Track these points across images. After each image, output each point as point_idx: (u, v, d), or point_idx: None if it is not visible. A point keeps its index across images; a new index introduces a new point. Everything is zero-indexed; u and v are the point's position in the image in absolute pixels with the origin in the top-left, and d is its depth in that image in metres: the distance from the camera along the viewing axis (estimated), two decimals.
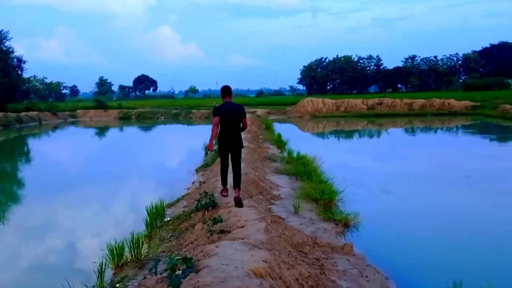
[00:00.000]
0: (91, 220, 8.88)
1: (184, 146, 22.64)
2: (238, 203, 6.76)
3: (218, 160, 11.72)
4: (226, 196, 7.55)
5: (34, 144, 26.88)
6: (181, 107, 50.05)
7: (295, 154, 13.54)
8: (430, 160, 15.49)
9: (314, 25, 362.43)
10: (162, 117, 45.65)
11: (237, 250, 4.16)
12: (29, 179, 14.37)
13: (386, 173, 12.92)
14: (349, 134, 28.87)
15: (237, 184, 7.18)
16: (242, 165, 8.83)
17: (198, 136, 26.46)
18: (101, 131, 35.60)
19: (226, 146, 7.42)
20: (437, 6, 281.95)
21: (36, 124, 40.02)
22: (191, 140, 24.37)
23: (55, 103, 54.67)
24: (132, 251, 5.43)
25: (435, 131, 29.35)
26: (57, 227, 8.63)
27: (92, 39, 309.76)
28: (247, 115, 7.87)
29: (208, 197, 6.76)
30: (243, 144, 7.79)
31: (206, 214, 6.58)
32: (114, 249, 5.37)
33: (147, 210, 7.13)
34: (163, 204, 7.88)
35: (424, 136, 26.82)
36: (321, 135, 29.12)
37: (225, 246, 4.34)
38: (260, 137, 19.57)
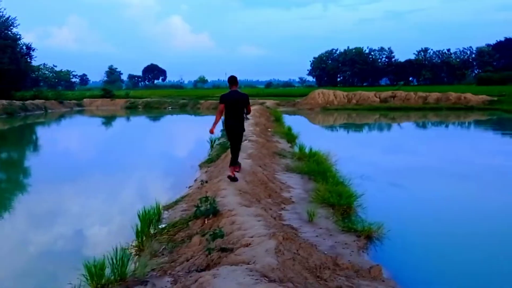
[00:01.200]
0: (78, 223, 7.96)
1: (189, 138, 21.69)
2: (232, 179, 7.67)
3: (223, 155, 10.82)
4: (234, 177, 7.82)
5: (37, 133, 26.14)
6: (189, 98, 49.16)
7: (307, 150, 12.55)
8: (452, 156, 14.43)
9: (325, 17, 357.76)
10: (169, 107, 44.81)
11: (240, 285, 3.20)
12: (24, 169, 13.55)
13: (408, 171, 11.88)
14: (361, 128, 27.77)
15: (233, 161, 8.10)
16: (249, 161, 9.55)
17: (205, 128, 25.52)
18: (105, 120, 34.82)
19: (231, 130, 8.27)
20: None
21: (41, 113, 39.37)
22: (197, 132, 23.42)
23: (63, 92, 53.93)
24: (116, 270, 4.49)
25: (447, 126, 28.13)
26: (32, 235, 7.74)
27: (103, 28, 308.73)
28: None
29: (208, 202, 5.79)
30: (253, 137, 9.93)
31: (206, 222, 5.63)
32: (93, 267, 4.44)
33: (139, 216, 6.19)
34: (159, 207, 6.94)
35: (440, 131, 25.60)
36: (332, 128, 28.05)
37: (225, 277, 3.39)
38: (269, 130, 18.56)
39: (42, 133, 26.37)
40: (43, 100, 42.85)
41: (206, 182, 8.15)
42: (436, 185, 10.34)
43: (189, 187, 9.20)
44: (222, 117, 8.55)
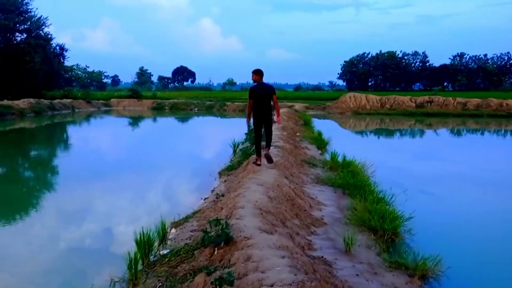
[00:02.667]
0: (78, 238, 6.90)
1: (212, 141, 20.62)
2: (268, 159, 8.84)
3: (245, 163, 9.61)
4: (259, 165, 8.83)
5: (64, 133, 25.66)
6: (215, 99, 48.33)
7: (339, 158, 11.22)
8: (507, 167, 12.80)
9: (357, 21, 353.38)
10: (196, 109, 44.05)
11: None
12: (47, 167, 12.75)
13: (460, 186, 10.38)
14: (396, 133, 26.10)
15: (267, 144, 9.09)
16: (274, 171, 8.29)
17: (230, 130, 24.45)
18: (130, 121, 34.21)
19: (260, 120, 8.87)
20: (485, 4, 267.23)
21: (69, 112, 39.21)
22: (221, 134, 22.36)
23: (91, 92, 54.07)
24: None
25: (493, 133, 26.07)
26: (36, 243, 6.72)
27: (135, 30, 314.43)
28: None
29: (220, 227, 4.58)
30: (279, 143, 10.43)
31: (215, 253, 4.41)
32: None
33: (136, 241, 5.02)
34: (165, 226, 5.79)
35: (483, 138, 23.63)
36: (364, 133, 26.46)
37: None
38: (298, 134, 17.26)
39: (68, 132, 25.87)
40: (71, 100, 42.80)
41: (223, 196, 6.96)
42: (500, 204, 8.85)
43: (204, 199, 8.02)
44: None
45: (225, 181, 9.16)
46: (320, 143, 15.13)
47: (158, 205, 8.54)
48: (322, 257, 4.80)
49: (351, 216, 6.47)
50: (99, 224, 7.45)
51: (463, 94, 49.13)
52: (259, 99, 8.70)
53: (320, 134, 16.87)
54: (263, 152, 9.09)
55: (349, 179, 8.50)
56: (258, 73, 8.77)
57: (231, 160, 12.34)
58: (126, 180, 11.23)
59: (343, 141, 18.85)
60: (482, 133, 26.60)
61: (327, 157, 13.00)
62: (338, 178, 9.00)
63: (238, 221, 5.02)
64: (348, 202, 7.45)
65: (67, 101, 41.88)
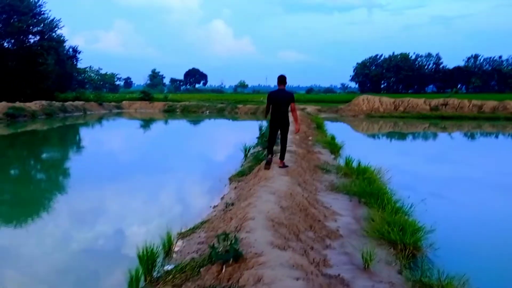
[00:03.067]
0: (79, 248, 6.61)
1: (223, 144, 20.29)
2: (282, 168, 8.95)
3: (256, 169, 9.28)
4: (270, 161, 9.16)
5: (75, 135, 25.60)
6: (227, 102, 48.13)
7: (354, 163, 10.80)
8: None
9: (369, 22, 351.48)
10: (207, 111, 43.85)
11: None
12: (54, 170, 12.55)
13: (484, 195, 9.91)
14: (408, 137, 25.56)
15: (281, 157, 9.27)
16: (286, 179, 7.91)
17: (241, 134, 24.15)
18: (141, 123, 34.10)
19: (275, 124, 9.04)
20: (499, 4, 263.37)
21: (80, 114, 39.28)
22: (232, 138, 22.03)
23: (103, 94, 54.21)
24: None
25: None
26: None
27: (148, 33, 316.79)
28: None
29: (229, 242, 4.23)
30: (292, 147, 10.57)
31: (223, 271, 4.07)
32: None
33: (138, 256, 4.69)
34: (170, 238, 5.47)
35: (500, 142, 22.95)
36: (378, 136, 25.96)
37: None
38: (310, 138, 16.86)
39: (79, 135, 25.80)
40: (82, 102, 42.90)
41: (232, 205, 6.62)
42: None
43: (214, 207, 7.69)
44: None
45: (235, 188, 8.82)
46: (333, 147, 14.72)
47: (166, 212, 8.23)
48: (339, 275, 4.42)
49: (368, 227, 6.08)
50: (103, 232, 7.16)
51: (477, 96, 48.27)
52: (275, 105, 8.87)
53: (333, 138, 16.45)
54: (275, 158, 9.34)
55: (365, 187, 8.10)
56: (279, 80, 8.94)
57: (242, 165, 12.01)
58: (134, 184, 10.96)
59: (356, 145, 18.39)
60: (497, 136, 25.90)
61: (341, 162, 12.61)
62: (354, 185, 8.60)
63: (248, 234, 4.67)
64: (365, 211, 7.06)
65: (79, 103, 41.99)
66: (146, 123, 34.20)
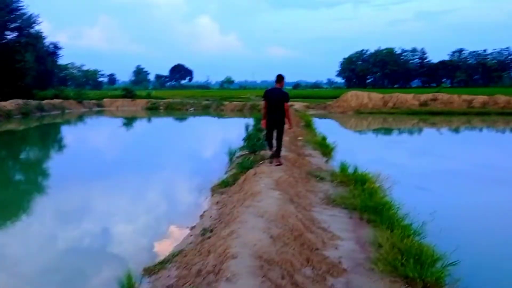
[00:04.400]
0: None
1: (207, 146, 19.11)
2: (278, 164, 9.09)
3: (242, 179, 8.18)
4: (273, 155, 9.49)
5: (51, 136, 24.16)
6: (213, 98, 46.87)
7: (349, 167, 9.76)
8: None
9: (355, 17, 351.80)
10: (192, 109, 42.55)
11: None
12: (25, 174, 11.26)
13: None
14: (398, 133, 24.74)
15: (276, 155, 9.41)
16: (276, 194, 6.69)
17: (227, 133, 23.02)
18: (124, 122, 32.73)
19: (271, 123, 9.20)
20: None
21: (58, 113, 37.66)
22: (218, 138, 20.90)
23: (84, 91, 52.50)
24: None
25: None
26: None
27: (132, 28, 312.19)
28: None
29: None
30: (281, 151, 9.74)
31: None
32: None
33: None
34: (131, 280, 4.33)
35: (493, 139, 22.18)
36: (368, 133, 25.12)
37: None
38: (300, 138, 15.79)
39: (54, 136, 24.36)
40: (61, 100, 41.17)
41: (211, 231, 5.50)
42: None
43: (191, 228, 6.56)
44: None
45: (217, 202, 7.67)
46: (325, 149, 13.67)
47: (135, 234, 7.07)
48: None
49: (376, 257, 5.01)
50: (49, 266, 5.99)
51: (465, 90, 47.93)
52: (271, 102, 9.06)
53: (324, 138, 15.40)
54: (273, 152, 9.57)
55: (366, 200, 7.04)
56: (276, 79, 9.18)
57: (226, 171, 10.88)
58: (100, 196, 9.76)
59: (348, 143, 17.44)
60: (488, 131, 25.20)
61: (334, 165, 11.60)
62: (352, 197, 7.54)
63: (228, 285, 3.55)
64: (369, 232, 6.00)
65: (57, 101, 40.29)
66: (128, 122, 32.82)
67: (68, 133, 25.85)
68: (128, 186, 10.78)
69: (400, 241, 5.31)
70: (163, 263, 4.99)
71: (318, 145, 14.26)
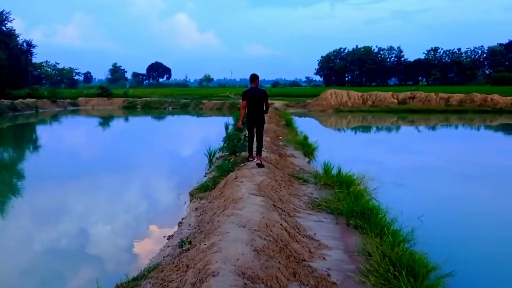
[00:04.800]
0: None
1: (186, 146, 18.63)
2: (260, 165, 9.05)
3: (222, 183, 7.80)
4: (252, 160, 9.55)
5: (22, 137, 23.23)
6: (191, 97, 46.23)
7: (333, 169, 9.46)
8: None
9: (332, 16, 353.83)
10: (170, 108, 41.85)
11: None
12: None
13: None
14: (379, 131, 24.74)
15: (258, 152, 9.37)
16: (259, 200, 6.35)
17: (206, 132, 22.54)
18: (99, 121, 31.85)
19: (252, 122, 9.21)
20: None
21: (32, 113, 36.48)
22: (197, 138, 20.41)
23: (58, 90, 51.02)
24: None
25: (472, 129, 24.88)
26: None
27: (109, 26, 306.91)
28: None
29: None
30: (263, 152, 9.83)
31: None
32: None
33: None
34: None
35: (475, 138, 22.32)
36: (347, 131, 25.04)
37: None
38: (281, 138, 15.48)
39: (28, 136, 23.45)
40: (34, 99, 39.91)
41: (190, 243, 5.10)
42: None
43: (168, 237, 6.14)
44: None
45: (196, 208, 7.26)
46: (307, 148, 13.41)
47: (107, 245, 6.62)
48: None
49: (367, 268, 4.70)
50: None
51: (439, 88, 48.56)
52: (251, 102, 9.10)
53: (306, 138, 15.12)
54: (254, 153, 9.61)
55: (352, 204, 6.74)
56: (251, 78, 9.28)
57: (206, 173, 10.47)
58: (72, 201, 9.23)
59: (329, 142, 17.26)
60: (478, 130, 25.43)
61: (316, 165, 11.35)
62: (338, 201, 7.24)
63: None
64: (357, 239, 5.70)
65: (30, 100, 39.06)
66: (103, 121, 31.99)
67: (43, 133, 24.98)
68: (102, 188, 10.28)
69: (390, 250, 5.03)
70: (137, 280, 4.57)
71: (300, 145, 13.99)
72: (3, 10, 47.25)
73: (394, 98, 37.02)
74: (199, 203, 7.57)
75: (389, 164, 13.24)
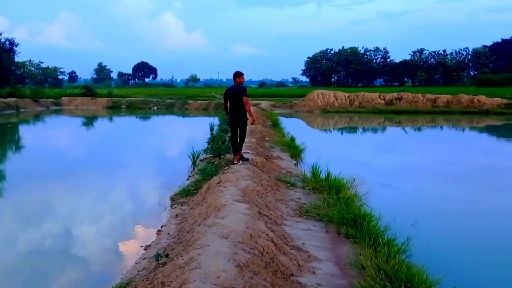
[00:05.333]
0: None
1: (169, 146, 18.09)
2: (242, 159, 9.40)
3: (205, 187, 7.35)
4: (237, 163, 9.21)
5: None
6: (177, 97, 45.56)
7: (322, 173, 9.08)
8: None
9: (319, 16, 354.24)
10: (155, 108, 41.15)
11: None
12: None
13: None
14: (365, 132, 24.51)
15: (239, 150, 9.41)
16: (243, 208, 5.99)
17: (191, 133, 22.03)
18: (83, 121, 31.08)
19: (234, 122, 9.18)
20: (441, 0, 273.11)
21: (12, 112, 35.48)
22: (181, 138, 19.89)
23: (40, 89, 49.90)
24: None
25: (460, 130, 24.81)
26: None
27: (94, 25, 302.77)
28: (251, 108, 9.65)
29: None
30: (248, 154, 10.16)
31: None
32: None
33: None
34: None
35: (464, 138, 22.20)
36: (333, 132, 24.77)
37: None
38: (267, 139, 15.07)
39: (10, 136, 22.65)
40: (16, 99, 38.85)
41: (167, 256, 4.64)
42: None
43: (145, 248, 5.67)
44: None
45: (177, 215, 6.78)
46: (294, 150, 13.01)
47: (78, 250, 6.12)
48: None
49: (361, 284, 4.30)
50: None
51: (425, 89, 48.72)
52: (231, 101, 9.04)
53: (293, 139, 14.73)
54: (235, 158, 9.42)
55: (342, 211, 6.35)
56: (233, 76, 9.17)
57: (189, 176, 10.00)
58: (51, 204, 8.69)
59: (316, 143, 16.93)
60: (463, 131, 25.35)
61: (303, 168, 10.96)
62: (327, 207, 6.85)
63: None
64: (348, 249, 5.31)
65: (11, 100, 37.97)
66: (86, 121, 31.22)
67: (24, 133, 24.19)
68: (79, 192, 9.74)
69: (385, 262, 4.65)
70: None
71: (286, 147, 13.59)
72: None
73: (381, 99, 36.88)
74: (180, 209, 7.11)
75: (377, 165, 12.95)
